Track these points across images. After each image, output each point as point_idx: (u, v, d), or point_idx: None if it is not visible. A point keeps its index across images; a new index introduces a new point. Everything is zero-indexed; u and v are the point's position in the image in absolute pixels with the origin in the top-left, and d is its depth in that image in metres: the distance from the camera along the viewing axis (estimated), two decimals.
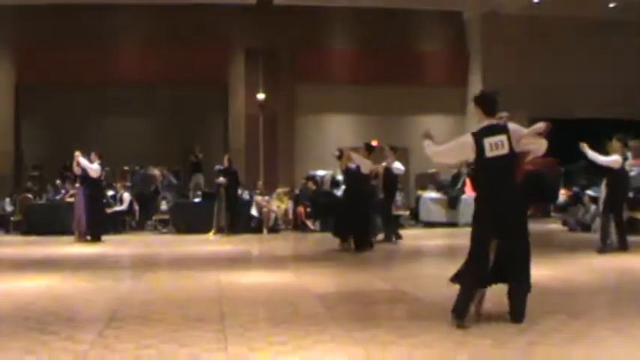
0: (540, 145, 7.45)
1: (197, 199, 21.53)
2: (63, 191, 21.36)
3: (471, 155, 7.21)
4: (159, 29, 24.71)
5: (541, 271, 10.72)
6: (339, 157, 16.04)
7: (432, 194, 22.14)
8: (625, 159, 13.73)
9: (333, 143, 24.16)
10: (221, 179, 19.52)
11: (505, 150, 7.04)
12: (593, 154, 13.31)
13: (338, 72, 25.99)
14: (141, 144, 24.30)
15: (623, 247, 13.32)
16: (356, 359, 5.75)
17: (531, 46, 25.75)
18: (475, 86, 26.14)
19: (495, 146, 7.02)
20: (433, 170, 23.44)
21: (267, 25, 24.99)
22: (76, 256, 14.55)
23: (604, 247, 13.26)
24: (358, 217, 14.88)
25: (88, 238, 17.42)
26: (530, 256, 7.17)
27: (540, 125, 7.34)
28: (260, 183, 22.26)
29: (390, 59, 25.93)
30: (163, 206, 21.41)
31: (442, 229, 20.58)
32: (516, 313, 6.97)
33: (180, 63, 24.45)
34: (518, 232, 7.09)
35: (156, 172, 22.39)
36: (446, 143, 7.57)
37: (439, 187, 22.50)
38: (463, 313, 6.83)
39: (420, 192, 23.06)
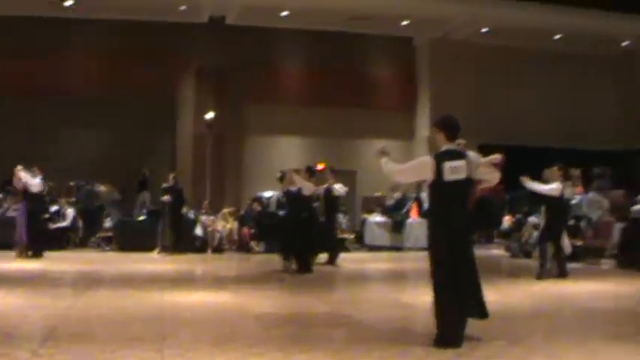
0: (494, 177, 7.78)
1: (142, 217, 21.35)
2: (5, 205, 21.00)
3: (429, 176, 7.29)
4: (111, 45, 24.49)
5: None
6: (281, 179, 16.12)
7: (377, 218, 22.27)
8: (564, 187, 13.99)
9: (281, 164, 24.13)
10: (166, 197, 19.43)
11: (463, 175, 7.21)
12: (533, 185, 13.72)
13: (288, 93, 26.09)
14: (87, 159, 24.02)
15: (562, 274, 13.57)
16: None
17: (480, 73, 26.09)
18: (423, 112, 26.57)
19: (455, 170, 7.18)
20: (379, 194, 23.61)
21: (218, 45, 24.97)
22: (16, 272, 14.30)
23: (542, 273, 13.51)
24: (300, 239, 14.93)
25: (29, 253, 17.12)
26: (479, 280, 7.34)
27: (497, 156, 7.70)
28: (206, 202, 22.17)
29: (340, 82, 26.10)
30: (107, 223, 21.18)
31: (387, 253, 20.72)
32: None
33: (131, 79, 24.28)
34: (469, 257, 7.26)
35: (102, 188, 22.17)
36: (403, 163, 7.69)
37: (385, 211, 22.63)
38: (458, 343, 6.95)
39: (365, 215, 23.17)
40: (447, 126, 7.43)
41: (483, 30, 25.25)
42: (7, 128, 23.97)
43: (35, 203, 17.44)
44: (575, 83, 26.92)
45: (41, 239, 17.55)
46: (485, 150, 8.33)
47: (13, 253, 17.18)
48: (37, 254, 17.04)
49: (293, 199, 15.49)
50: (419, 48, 27.21)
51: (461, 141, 7.67)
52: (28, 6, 22.71)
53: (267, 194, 23.92)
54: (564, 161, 14.23)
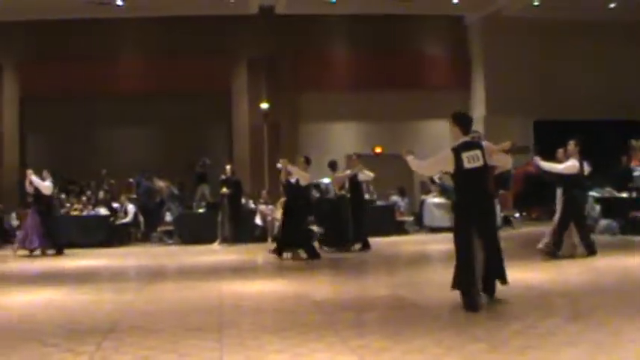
0: (507, 161, 8.98)
1: (202, 210, 21.58)
2: (68, 205, 21.45)
3: (451, 167, 8.37)
4: (162, 41, 24.82)
5: (540, 274, 10.81)
6: (307, 162, 16.20)
7: (435, 199, 22.14)
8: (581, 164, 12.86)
9: (337, 150, 24.26)
10: (224, 190, 19.61)
11: (480, 162, 8.28)
12: (548, 166, 12.88)
13: (340, 79, 26.08)
14: (145, 156, 24.40)
15: (590, 251, 12.91)
16: None
17: (533, 49, 25.72)
18: (478, 90, 26.30)
19: (472, 159, 8.26)
20: (438, 175, 23.48)
21: (268, 35, 25.12)
22: (80, 268, 14.62)
23: (553, 252, 12.81)
24: (297, 229, 15.12)
25: (50, 252, 17.67)
26: (502, 254, 8.43)
27: (507, 144, 8.79)
28: (264, 192, 22.29)
29: (393, 64, 26.01)
30: (168, 217, 21.49)
31: (446, 234, 20.57)
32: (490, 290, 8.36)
33: (184, 74, 24.61)
34: (492, 234, 8.40)
35: (161, 184, 22.46)
36: (428, 159, 9.01)
37: (443, 192, 22.49)
38: (476, 307, 7.87)
39: (423, 197, 23.06)
40: (462, 121, 8.50)
41: (535, 3, 24.85)
42: (69, 129, 24.49)
43: (46, 206, 17.97)
44: (630, 53, 26.33)
45: (58, 237, 17.94)
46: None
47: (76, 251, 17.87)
48: (59, 252, 17.55)
49: (291, 190, 15.59)
50: (470, 26, 26.94)
51: (476, 133, 8.75)
52: (81, 9, 23.10)
53: (325, 181, 23.96)
54: (622, 133, 13.76)
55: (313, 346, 6.50)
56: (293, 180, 15.49)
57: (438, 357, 5.92)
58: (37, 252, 17.68)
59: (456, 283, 8.17)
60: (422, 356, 5.96)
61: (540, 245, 13.02)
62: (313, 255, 14.96)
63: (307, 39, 25.74)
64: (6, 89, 24.88)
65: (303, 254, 15.04)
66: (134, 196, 22.21)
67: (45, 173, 17.85)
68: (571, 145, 12.86)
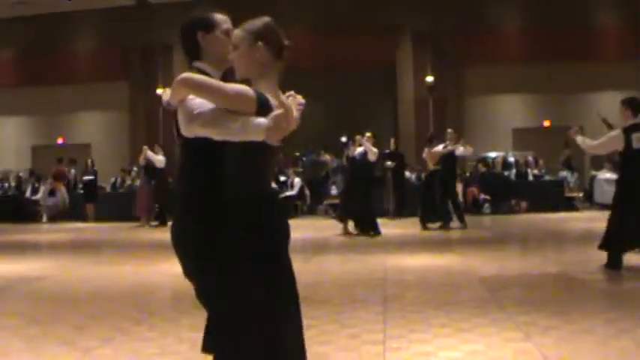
0: None
1: None
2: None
3: (620, 146, 9.15)
4: (327, 17, 25.06)
5: None
6: (346, 144, 16.21)
7: (607, 174, 21.34)
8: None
9: (504, 123, 23.81)
10: (388, 163, 19.64)
11: None
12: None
13: (506, 50, 25.48)
14: (311, 130, 24.71)
15: None
16: (514, 342, 5.69)
17: None
18: None
19: None
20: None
21: (432, 7, 24.86)
22: None
23: None
24: (359, 202, 15.21)
25: (155, 224, 19.33)
26: None
27: None
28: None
29: (559, 35, 25.07)
30: (334, 191, 21.77)
31: None
32: None
33: (349, 49, 24.75)
34: None
35: (327, 157, 22.75)
36: (598, 139, 9.61)
37: (615, 167, 21.64)
38: (617, 266, 8.98)
39: (594, 172, 22.29)
40: (632, 105, 9.22)
41: None
42: None
43: (158, 178, 19.40)
44: None
45: (164, 210, 19.27)
46: None
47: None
48: (163, 224, 18.50)
49: (356, 164, 15.66)
50: None
51: None
52: None
53: (492, 155, 23.63)
54: None
55: (477, 321, 6.43)
56: (358, 154, 15.55)
57: (608, 339, 5.71)
58: None
59: (605, 245, 9.21)
60: (591, 337, 5.76)
61: None
62: (369, 228, 15.13)
63: (471, 10, 25.30)
64: None
65: (353, 229, 15.45)
66: (300, 169, 22.62)
67: (157, 148, 19.36)
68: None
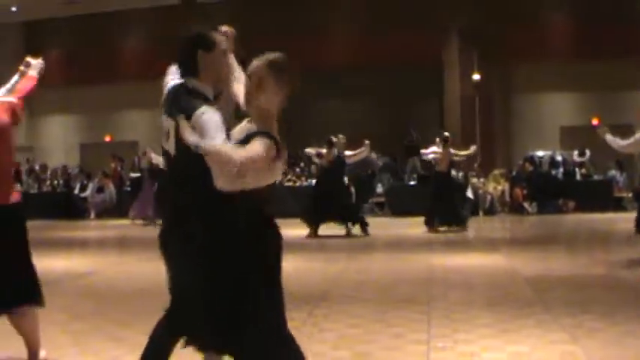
0: None
1: (413, 182, 21.62)
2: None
3: None
4: (373, 14, 25.02)
5: None
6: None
7: None
8: None
9: (552, 122, 23.54)
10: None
11: None
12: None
13: (555, 48, 25.10)
14: (357, 127, 24.70)
15: None
16: (560, 344, 5.63)
17: None
18: None
19: None
20: None
21: (478, 4, 24.64)
22: (289, 238, 15.03)
23: None
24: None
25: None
26: None
27: None
28: (476, 165, 22.03)
29: (611, 32, 24.54)
30: (379, 189, 21.72)
31: None
32: None
33: (394, 46, 24.67)
34: None
35: (372, 155, 22.69)
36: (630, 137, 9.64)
37: None
38: None
39: None
40: None
41: None
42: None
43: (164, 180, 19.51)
44: None
45: None
46: None
47: None
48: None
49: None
50: None
51: None
52: None
53: (539, 153, 23.39)
54: None
55: (522, 322, 6.39)
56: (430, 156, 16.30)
57: None
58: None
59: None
60: (638, 340, 5.68)
61: None
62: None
63: (518, 8, 25.01)
64: None
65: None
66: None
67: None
68: None
